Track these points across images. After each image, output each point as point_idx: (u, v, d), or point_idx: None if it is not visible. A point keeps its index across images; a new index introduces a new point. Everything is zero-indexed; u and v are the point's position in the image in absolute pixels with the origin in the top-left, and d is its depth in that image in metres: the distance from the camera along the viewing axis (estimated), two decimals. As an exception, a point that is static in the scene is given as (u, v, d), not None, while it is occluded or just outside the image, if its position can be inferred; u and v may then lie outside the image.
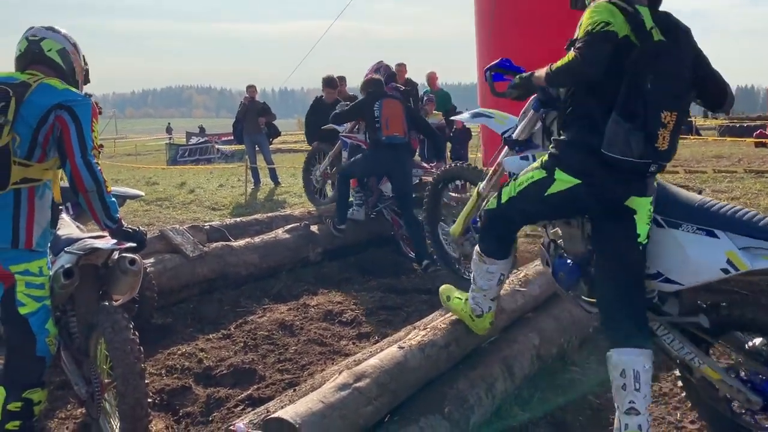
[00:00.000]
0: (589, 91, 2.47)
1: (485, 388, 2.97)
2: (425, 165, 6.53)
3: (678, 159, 14.25)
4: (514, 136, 3.10)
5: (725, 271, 2.32)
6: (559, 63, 2.49)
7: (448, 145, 11.34)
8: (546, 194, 2.57)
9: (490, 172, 3.46)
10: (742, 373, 2.48)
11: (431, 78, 11.32)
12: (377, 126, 5.79)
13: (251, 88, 12.59)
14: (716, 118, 25.52)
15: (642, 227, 2.47)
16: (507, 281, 3.87)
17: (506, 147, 3.21)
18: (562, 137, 2.61)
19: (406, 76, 11.12)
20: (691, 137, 20.20)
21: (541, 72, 2.64)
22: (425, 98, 10.52)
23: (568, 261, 2.81)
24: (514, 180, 2.76)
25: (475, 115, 3.65)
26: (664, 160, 2.42)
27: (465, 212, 3.62)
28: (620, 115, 2.34)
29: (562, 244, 2.89)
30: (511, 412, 3.05)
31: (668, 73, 2.35)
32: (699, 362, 2.53)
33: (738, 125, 22.25)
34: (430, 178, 6.23)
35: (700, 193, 9.35)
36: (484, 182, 3.51)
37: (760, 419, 2.56)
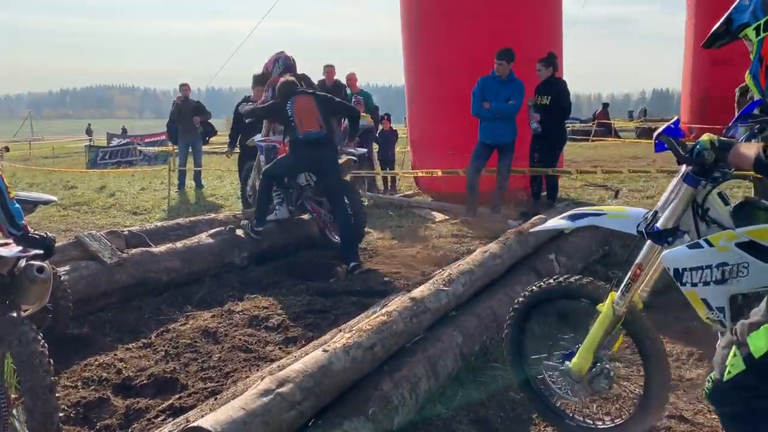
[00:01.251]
0: None
1: (409, 388, 2.99)
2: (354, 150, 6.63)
3: (598, 160, 14.85)
4: (659, 226, 2.40)
5: None
6: None
7: (375, 146, 11.40)
8: None
9: (627, 279, 2.58)
10: None
11: (350, 79, 11.35)
12: (293, 125, 5.87)
13: (185, 87, 12.26)
14: (631, 120, 26.64)
15: None
16: (431, 280, 3.95)
17: (649, 243, 2.50)
18: None
19: (335, 77, 11.11)
20: (610, 139, 21.06)
21: (745, 155, 2.06)
22: (354, 100, 10.54)
23: None
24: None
25: (576, 217, 2.74)
26: None
27: (592, 339, 2.68)
28: None
29: None
30: (434, 410, 3.09)
31: None
32: None
33: (654, 127, 23.29)
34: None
35: (617, 192, 9.71)
36: (618, 294, 2.61)
37: None
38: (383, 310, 3.40)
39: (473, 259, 4.41)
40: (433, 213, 8.46)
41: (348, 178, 6.57)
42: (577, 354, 2.71)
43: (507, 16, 8.34)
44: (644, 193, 9.56)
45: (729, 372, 1.91)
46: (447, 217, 8.09)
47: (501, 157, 7.63)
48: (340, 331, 3.29)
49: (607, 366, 2.70)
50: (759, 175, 2.19)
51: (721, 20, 2.15)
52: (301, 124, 5.82)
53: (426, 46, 8.99)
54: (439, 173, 8.36)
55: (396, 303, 3.49)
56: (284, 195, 6.36)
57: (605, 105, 28.71)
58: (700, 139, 2.21)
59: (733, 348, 1.93)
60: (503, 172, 7.66)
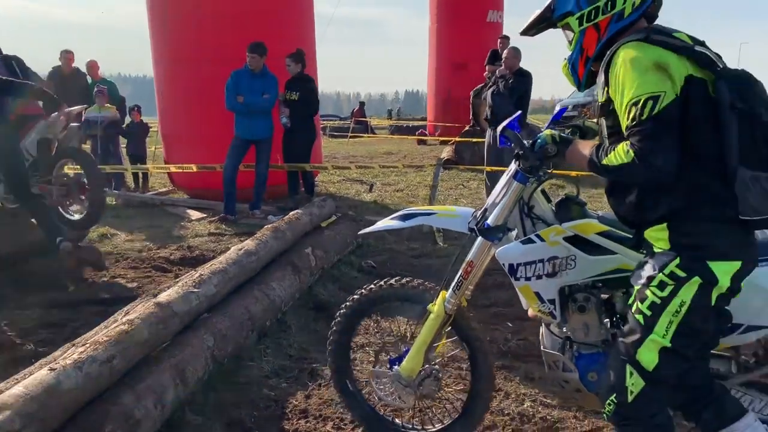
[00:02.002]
0: (684, 151, 1.87)
1: (154, 399, 2.79)
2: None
3: (355, 155, 15.50)
4: (490, 222, 2.38)
5: None
6: (616, 162, 1.91)
7: (123, 140, 10.62)
8: (714, 303, 1.91)
9: (458, 277, 2.54)
10: None
11: (91, 67, 10.47)
12: None
13: None
14: (390, 118, 28.28)
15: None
16: (180, 282, 3.74)
17: (480, 239, 2.46)
18: (673, 222, 1.94)
19: (74, 64, 10.11)
20: (366, 136, 22.15)
21: (581, 153, 2.10)
22: (96, 90, 9.67)
23: (598, 353, 2.32)
24: (644, 326, 1.95)
25: (407, 217, 2.65)
26: None
27: (422, 340, 2.60)
28: (750, 166, 1.81)
29: (577, 338, 2.37)
30: (184, 419, 2.94)
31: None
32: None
33: (405, 125, 25.05)
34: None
35: (371, 186, 10.20)
36: (450, 293, 2.56)
37: None
38: (124, 319, 3.14)
39: (227, 258, 4.29)
40: (189, 211, 8.10)
41: (78, 144, 5.93)
42: (406, 357, 2.63)
43: (257, 12, 8.26)
44: (395, 186, 10.19)
45: (631, 392, 1.99)
46: (204, 216, 7.80)
47: (259, 152, 7.55)
48: (73, 345, 2.96)
49: (436, 368, 2.68)
50: (584, 173, 2.31)
51: (543, 8, 2.19)
52: None
53: (174, 36, 8.55)
54: (194, 169, 8.01)
55: (140, 310, 3.24)
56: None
57: (362, 104, 30.20)
58: (542, 134, 2.28)
59: (627, 368, 1.99)
60: (262, 167, 7.59)
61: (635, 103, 1.84)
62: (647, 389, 1.97)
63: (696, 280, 1.87)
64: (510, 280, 2.40)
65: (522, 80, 7.71)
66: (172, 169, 8.65)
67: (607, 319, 2.35)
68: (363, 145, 19.92)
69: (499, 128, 2.33)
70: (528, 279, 2.30)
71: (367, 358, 3.46)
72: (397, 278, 2.79)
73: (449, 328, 2.65)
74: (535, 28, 2.27)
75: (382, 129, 27.52)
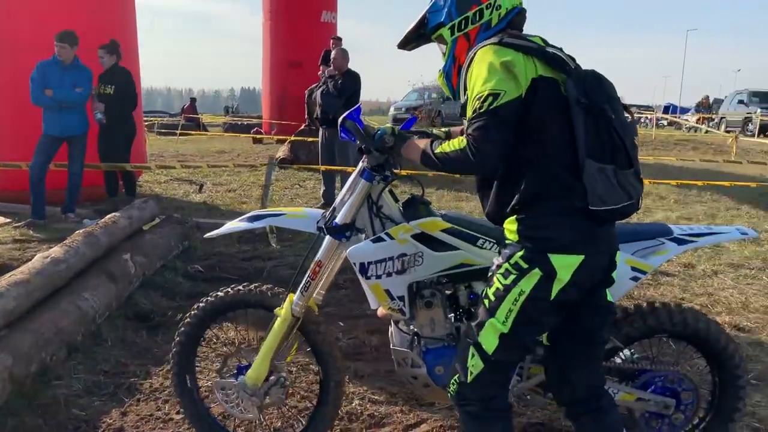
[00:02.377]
0: (535, 145, 1.98)
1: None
2: None
3: (185, 154, 14.85)
4: (339, 221, 2.40)
5: (635, 279, 2.34)
6: (448, 149, 2.02)
7: None
8: (554, 296, 1.97)
9: (306, 278, 2.51)
10: (655, 382, 2.48)
11: None
12: None
13: None
14: (227, 115, 27.31)
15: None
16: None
17: (328, 239, 2.46)
18: (522, 215, 2.01)
19: None
20: (194, 133, 21.31)
21: (417, 146, 2.17)
22: None
23: (444, 347, 2.41)
24: (488, 309, 2.05)
25: (255, 219, 2.61)
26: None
27: (269, 346, 2.54)
28: (596, 159, 1.92)
29: (424, 333, 2.44)
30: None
31: (614, 96, 2.01)
32: (614, 392, 2.42)
33: (240, 123, 24.41)
34: None
35: (201, 186, 9.83)
36: (297, 295, 2.52)
37: (676, 418, 2.51)
38: None
39: (31, 267, 3.88)
40: (-9, 215, 7.25)
41: None
42: (253, 364, 2.55)
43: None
44: (227, 186, 9.89)
45: (471, 373, 2.08)
46: (8, 220, 7.02)
47: (71, 149, 6.92)
48: None
49: (283, 375, 2.62)
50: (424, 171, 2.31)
51: (417, 21, 2.23)
52: None
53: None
54: (-5, 168, 7.18)
55: None
56: None
57: (193, 100, 28.98)
58: (383, 126, 2.32)
59: (471, 349, 2.07)
60: (75, 166, 6.97)
61: (478, 98, 1.95)
62: (486, 371, 2.08)
63: (536, 272, 1.96)
64: (351, 280, 2.40)
65: (350, 80, 7.88)
66: (-31, 168, 7.67)
67: (452, 314, 2.47)
68: (193, 142, 19.12)
69: (340, 120, 2.34)
70: (379, 277, 2.35)
71: (211, 368, 3.30)
72: (244, 284, 2.70)
73: (298, 332, 2.60)
74: (411, 42, 2.33)
75: (216, 126, 26.63)
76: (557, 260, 1.96)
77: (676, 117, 29.62)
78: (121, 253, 4.69)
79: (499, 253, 2.10)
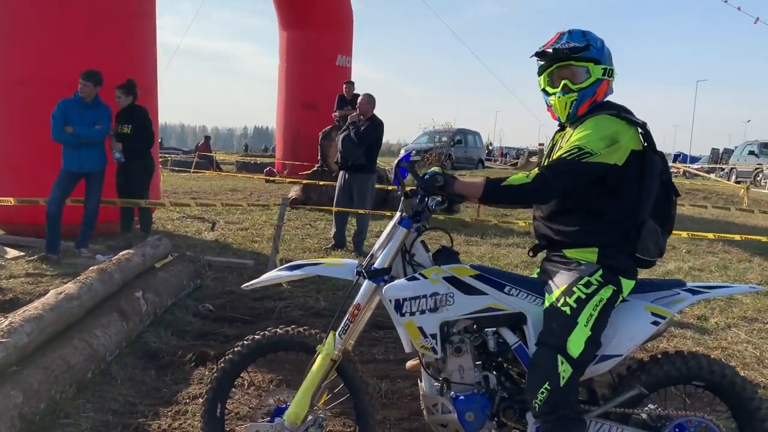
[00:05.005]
0: (615, 200, 2.45)
1: (-58, 471, 2.43)
2: None
3: (198, 191, 14.98)
4: (377, 266, 2.55)
5: (655, 323, 2.46)
6: (514, 182, 2.40)
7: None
8: (614, 309, 2.46)
9: (345, 320, 2.60)
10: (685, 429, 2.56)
11: None
12: None
13: None
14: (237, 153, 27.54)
15: None
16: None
17: (367, 283, 2.56)
18: (601, 248, 2.46)
19: None
20: (209, 172, 21.52)
21: (473, 182, 2.47)
22: None
23: (474, 394, 2.51)
24: (569, 316, 2.36)
25: (294, 268, 2.69)
26: None
27: (310, 383, 2.57)
28: (656, 221, 2.47)
29: (454, 380, 2.54)
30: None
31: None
32: None
33: (252, 162, 24.67)
34: None
35: (213, 225, 9.85)
36: (339, 331, 2.60)
37: None
38: None
39: (44, 303, 3.91)
40: (5, 248, 7.32)
41: None
42: (292, 403, 2.58)
43: (92, 37, 7.82)
44: (239, 225, 9.94)
45: (563, 378, 2.33)
46: (22, 254, 7.08)
47: (89, 186, 7.02)
48: None
49: (321, 415, 2.67)
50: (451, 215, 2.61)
51: (578, 41, 2.49)
52: None
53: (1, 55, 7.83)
54: (12, 202, 7.27)
55: (-70, 365, 2.84)
56: None
57: (207, 137, 29.30)
58: (431, 169, 2.51)
59: (558, 357, 2.34)
60: (91, 202, 7.05)
61: (575, 147, 2.38)
62: (575, 374, 2.35)
63: (611, 287, 2.42)
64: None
65: (373, 127, 7.89)
66: (-14, 201, 7.77)
67: (480, 362, 2.57)
68: (206, 180, 19.31)
69: (395, 164, 2.57)
70: (413, 314, 2.47)
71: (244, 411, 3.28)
72: (281, 326, 2.78)
73: (336, 373, 2.67)
74: (546, 56, 2.54)
75: (229, 165, 26.90)
76: (624, 282, 2.45)
77: (687, 166, 29.72)
78: (134, 291, 4.71)
79: (568, 270, 2.47)
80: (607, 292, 2.40)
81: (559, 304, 2.40)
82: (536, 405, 2.34)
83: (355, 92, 12.68)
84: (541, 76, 2.60)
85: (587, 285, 2.40)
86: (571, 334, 2.35)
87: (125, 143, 7.38)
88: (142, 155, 7.57)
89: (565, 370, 2.33)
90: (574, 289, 2.40)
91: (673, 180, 2.60)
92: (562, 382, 2.32)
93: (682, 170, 28.60)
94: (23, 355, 3.40)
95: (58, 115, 6.79)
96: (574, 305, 2.37)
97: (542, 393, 2.33)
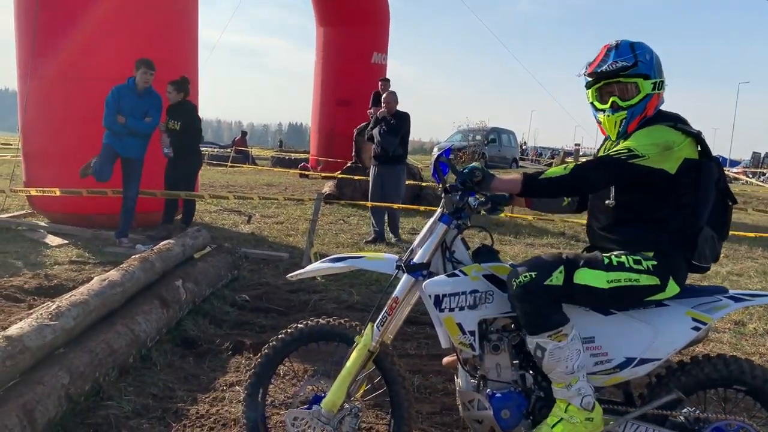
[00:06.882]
0: (673, 207, 2.45)
1: (-4, 444, 2.55)
2: None
3: (234, 185, 15.19)
4: (416, 260, 2.57)
5: (696, 329, 2.46)
6: (552, 175, 2.40)
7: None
8: (647, 298, 2.45)
9: (383, 313, 2.61)
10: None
11: None
12: None
13: None
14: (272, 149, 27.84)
15: None
16: (34, 314, 3.47)
17: (405, 276, 2.60)
18: (659, 250, 2.44)
19: None
20: (245, 166, 21.78)
21: (512, 178, 2.48)
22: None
23: (510, 392, 2.54)
24: (606, 265, 2.41)
25: (337, 260, 2.74)
26: None
27: (347, 372, 2.61)
28: (713, 228, 2.50)
29: (490, 377, 2.57)
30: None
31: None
32: None
33: (287, 157, 24.90)
34: None
35: (250, 218, 10.00)
36: (377, 323, 2.61)
37: None
38: (-34, 354, 2.85)
39: (89, 289, 4.04)
40: (49, 237, 7.55)
41: None
42: (330, 391, 2.61)
43: (139, 31, 8.00)
44: (275, 218, 10.07)
45: (551, 280, 2.38)
46: (66, 242, 7.30)
47: (127, 173, 7.13)
48: None
49: (357, 405, 2.69)
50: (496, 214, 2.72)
51: (621, 61, 2.44)
52: None
53: (45, 51, 8.05)
54: (57, 193, 7.49)
55: (-15, 344, 2.96)
56: None
57: (244, 133, 29.73)
58: (472, 164, 2.53)
59: (564, 267, 2.39)
60: (130, 190, 7.20)
61: (626, 147, 2.37)
62: (559, 290, 2.39)
63: (656, 280, 2.40)
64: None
65: (402, 120, 8.45)
66: (33, 192, 8.02)
67: (517, 361, 2.58)
68: (242, 174, 19.57)
69: (434, 158, 2.59)
70: (452, 310, 2.49)
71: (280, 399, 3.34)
72: (323, 317, 2.84)
73: (373, 364, 2.68)
74: (600, 70, 2.48)
75: (264, 160, 27.19)
76: (671, 285, 2.42)
77: (727, 170, 29.09)
78: (174, 280, 4.83)
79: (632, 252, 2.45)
80: (649, 280, 2.39)
81: (601, 255, 2.45)
82: (514, 284, 2.41)
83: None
84: (590, 90, 2.58)
85: (636, 261, 2.40)
86: (590, 268, 2.40)
87: (174, 139, 7.52)
88: (192, 151, 7.72)
89: (557, 278, 2.38)
90: (623, 256, 2.42)
91: None
92: (547, 281, 2.37)
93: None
94: (69, 338, 3.52)
95: (112, 102, 6.89)
96: (615, 263, 2.40)
97: (525, 277, 2.39)
